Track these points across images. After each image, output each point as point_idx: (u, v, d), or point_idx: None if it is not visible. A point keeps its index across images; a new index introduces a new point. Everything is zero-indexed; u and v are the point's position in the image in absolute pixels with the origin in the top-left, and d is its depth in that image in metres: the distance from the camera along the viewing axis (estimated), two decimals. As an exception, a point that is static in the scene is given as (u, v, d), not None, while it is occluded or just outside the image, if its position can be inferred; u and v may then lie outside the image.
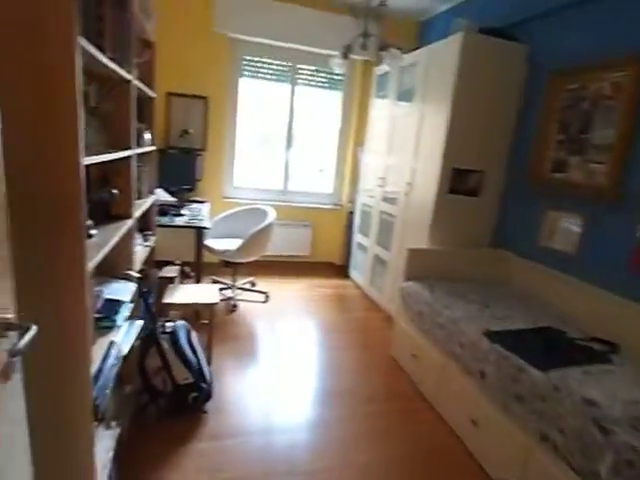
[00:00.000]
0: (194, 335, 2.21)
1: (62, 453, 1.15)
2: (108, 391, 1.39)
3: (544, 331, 2.04)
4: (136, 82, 1.82)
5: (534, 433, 1.62)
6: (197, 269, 2.98)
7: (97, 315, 1.45)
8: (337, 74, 4.32)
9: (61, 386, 1.13)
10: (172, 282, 3.09)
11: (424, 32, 4.23)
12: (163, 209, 3.08)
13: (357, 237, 4.32)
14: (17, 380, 0.82)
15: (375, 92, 4.02)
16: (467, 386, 2.03)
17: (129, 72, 1.71)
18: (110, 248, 1.45)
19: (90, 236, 1.42)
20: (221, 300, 3.52)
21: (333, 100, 4.55)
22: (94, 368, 1.29)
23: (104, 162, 1.61)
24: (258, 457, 1.86)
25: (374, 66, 4.03)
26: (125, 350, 1.58)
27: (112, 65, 1.42)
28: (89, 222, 1.42)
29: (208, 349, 2.48)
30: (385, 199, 3.70)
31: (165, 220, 2.88)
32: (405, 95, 3.40)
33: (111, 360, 1.43)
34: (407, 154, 3.29)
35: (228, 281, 3.68)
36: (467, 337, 2.02)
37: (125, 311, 1.59)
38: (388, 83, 3.70)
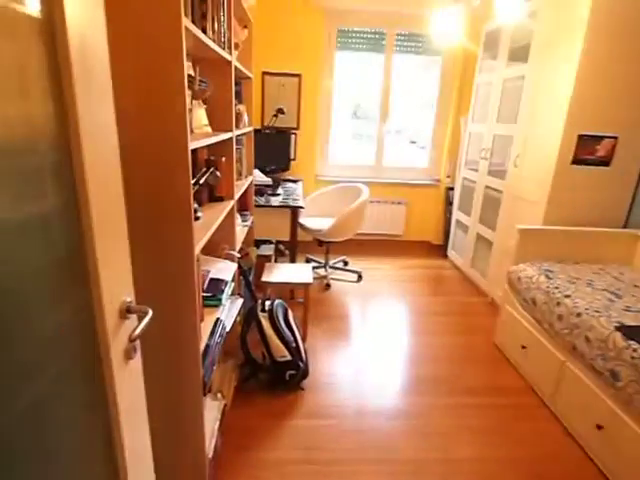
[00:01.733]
0: (291, 314, 2.24)
1: (174, 424, 1.24)
2: (215, 366, 1.45)
3: (699, 330, 1.69)
4: (236, 63, 1.82)
5: (685, 452, 1.36)
6: (292, 248, 3.02)
7: (204, 294, 1.51)
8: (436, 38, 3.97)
9: (174, 363, 1.20)
10: (269, 260, 3.20)
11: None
12: (259, 189, 3.16)
13: (457, 214, 4.03)
14: (137, 359, 0.86)
15: (482, 53, 3.62)
16: (592, 387, 1.77)
17: (230, 53, 1.71)
18: (215, 229, 1.49)
19: (197, 218, 1.47)
20: (314, 279, 3.57)
21: (432, 67, 4.22)
22: (202, 345, 1.35)
23: (208, 145, 1.65)
24: (351, 439, 1.84)
25: (481, 22, 3.63)
26: (228, 326, 1.64)
27: (215, 47, 1.42)
28: (195, 205, 1.47)
29: (303, 327, 2.52)
30: (491, 172, 3.37)
31: (261, 200, 2.96)
32: (519, 53, 3.00)
33: (217, 337, 1.49)
34: (519, 121, 2.92)
35: (321, 260, 3.70)
36: (595, 332, 1.75)
37: (228, 289, 1.65)
38: (499, 40, 3.30)
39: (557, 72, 2.52)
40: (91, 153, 0.66)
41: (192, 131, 1.55)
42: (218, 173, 1.68)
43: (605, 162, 2.54)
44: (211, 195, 1.78)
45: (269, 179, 3.47)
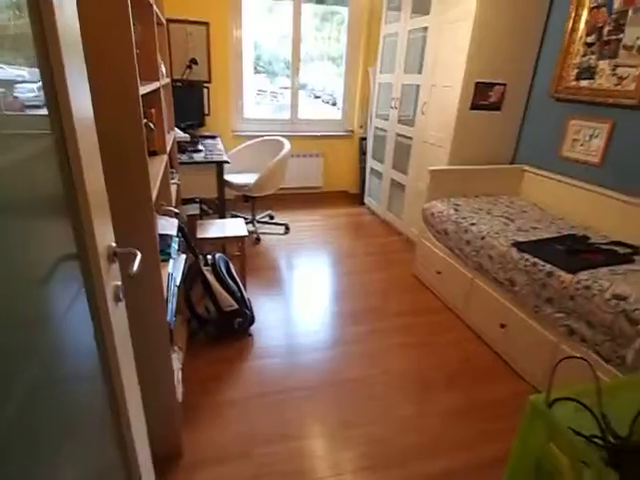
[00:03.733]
0: (232, 266, 2.31)
1: (148, 371, 1.28)
2: (175, 318, 1.50)
3: (568, 238, 2.12)
4: (155, 8, 1.72)
5: (562, 329, 1.76)
6: (221, 205, 3.01)
7: (154, 248, 1.52)
8: (342, -14, 4.00)
9: (143, 312, 1.23)
10: (196, 219, 3.16)
11: None
12: (180, 146, 3.04)
13: (371, 163, 4.29)
14: (123, 303, 0.90)
15: (387, 4, 3.76)
16: (495, 295, 2.16)
17: (145, -4, 1.62)
18: (159, 182, 1.47)
19: (137, 172, 1.44)
20: (244, 233, 3.62)
21: (327, 12, 4.27)
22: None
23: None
24: (301, 371, 2.03)
25: (383, -26, 3.73)
26: (178, 281, 1.67)
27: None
28: (134, 158, 1.44)
29: (242, 278, 2.61)
30: (401, 121, 3.62)
31: (184, 157, 2.87)
32: (421, 5, 3.19)
33: (172, 289, 1.52)
34: (424, 71, 3.17)
35: (247, 215, 3.74)
36: (496, 250, 2.11)
37: (175, 244, 1.66)
38: (400, -8, 3.45)
39: (456, 25, 2.76)
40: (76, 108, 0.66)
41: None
42: (152, 125, 1.63)
43: (497, 107, 2.90)
44: (148, 150, 1.72)
45: (187, 135, 3.34)
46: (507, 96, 2.89)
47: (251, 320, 2.23)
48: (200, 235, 2.44)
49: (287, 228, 3.73)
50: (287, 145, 3.44)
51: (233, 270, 2.29)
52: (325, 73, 4.45)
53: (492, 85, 2.82)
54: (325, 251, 3.39)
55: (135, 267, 0.78)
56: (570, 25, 2.54)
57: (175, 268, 1.73)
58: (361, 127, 4.50)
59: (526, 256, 1.94)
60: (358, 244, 3.56)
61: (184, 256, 1.96)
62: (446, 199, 2.74)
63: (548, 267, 1.83)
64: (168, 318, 1.35)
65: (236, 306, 2.11)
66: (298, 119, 4.41)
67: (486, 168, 2.91)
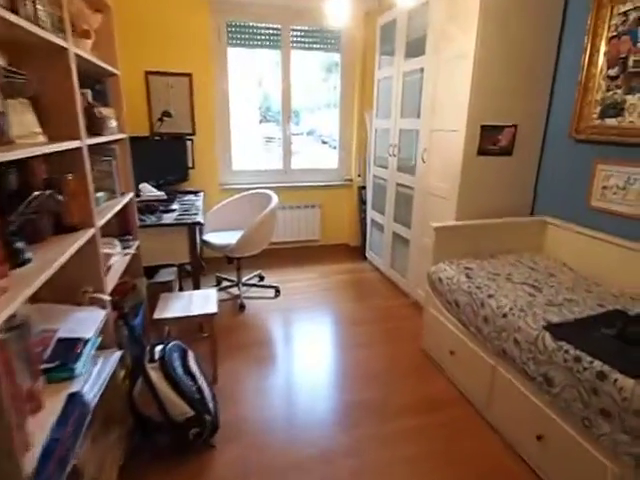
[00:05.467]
0: (192, 356, 1.86)
1: None
2: (68, 466, 1.05)
3: (616, 316, 1.64)
4: (78, 51, 1.41)
5: (627, 459, 1.25)
6: (194, 272, 2.62)
7: (47, 366, 1.10)
8: (334, 33, 3.81)
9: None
10: (170, 289, 2.77)
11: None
12: (150, 206, 2.71)
13: (371, 214, 3.91)
14: None
15: (379, 47, 3.52)
16: (527, 393, 1.66)
17: (64, 39, 1.30)
18: (54, 271, 1.08)
19: (23, 263, 1.06)
20: (227, 299, 3.20)
21: (332, 63, 4.07)
22: (43, 442, 0.95)
23: (47, 159, 1.24)
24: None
25: (377, 16, 3.52)
26: (94, 399, 1.24)
27: (32, 27, 1.02)
28: (20, 244, 1.06)
29: (212, 366, 2.16)
30: (400, 169, 3.26)
31: (152, 219, 2.51)
32: (415, 46, 2.91)
33: (71, 421, 1.08)
34: (422, 115, 2.83)
35: (234, 277, 3.33)
36: (523, 333, 1.63)
37: (89, 351, 1.24)
38: (394, 34, 3.19)
39: (455, 63, 2.44)
40: None
41: (11, 141, 1.13)
42: (60, 196, 1.27)
43: (508, 151, 2.52)
44: (58, 225, 1.35)
45: (162, 193, 3.02)
46: (519, 139, 2.51)
47: (213, 428, 1.75)
48: (158, 315, 2.02)
49: (277, 291, 3.30)
50: (274, 199, 3.09)
51: (193, 361, 1.84)
52: (330, 120, 4.26)
53: (501, 128, 2.45)
54: (320, 319, 2.93)
55: None
56: (586, 58, 2.19)
57: (94, 380, 1.30)
58: (359, 175, 4.17)
59: (565, 346, 1.47)
60: (358, 309, 3.09)
61: (118, 354, 1.53)
62: (455, 261, 2.30)
63: (597, 365, 1.35)
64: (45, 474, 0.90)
65: (191, 413, 1.64)
66: (291, 169, 4.10)
67: (500, 222, 2.48)
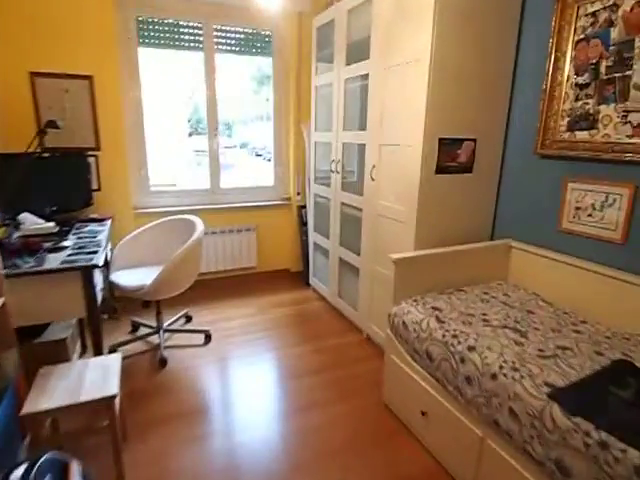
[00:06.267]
0: (76, 469, 1.29)
1: None
2: None
3: (624, 371, 1.36)
4: None
5: None
6: (93, 334, 2.00)
7: None
8: (263, 35, 3.38)
9: None
10: (64, 349, 2.13)
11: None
12: (30, 244, 2.06)
13: (314, 237, 3.50)
14: None
15: (317, 52, 3.15)
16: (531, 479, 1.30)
17: None
18: None
19: None
20: (145, 351, 2.60)
21: (264, 75, 3.64)
22: None
23: None
24: None
25: (312, 16, 3.15)
26: None
27: None
28: None
29: (116, 464, 1.58)
30: (345, 187, 2.89)
31: (29, 264, 1.88)
32: (358, 49, 2.57)
33: None
34: (370, 127, 2.49)
35: (153, 323, 2.73)
36: (522, 403, 1.28)
37: None
38: (333, 36, 2.84)
39: (406, 69, 2.12)
40: None
41: None
42: None
43: (468, 168, 2.24)
44: None
45: (51, 224, 2.37)
46: (479, 154, 2.24)
47: None
48: (30, 407, 1.42)
49: (208, 336, 2.75)
50: (199, 227, 2.56)
51: (77, 477, 1.27)
52: (264, 132, 3.90)
53: (460, 142, 2.16)
54: (260, 372, 2.43)
55: None
56: (551, 63, 1.96)
57: None
58: (299, 194, 3.75)
59: (582, 424, 1.13)
60: (306, 353, 2.63)
61: None
62: (420, 299, 1.94)
63: (634, 455, 1.02)
64: None
65: None
66: (220, 188, 3.58)
67: (463, 249, 2.18)
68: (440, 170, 2.14)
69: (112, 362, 1.70)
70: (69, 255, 2.02)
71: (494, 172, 2.33)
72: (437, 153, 2.10)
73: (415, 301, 1.93)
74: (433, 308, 1.84)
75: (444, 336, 1.64)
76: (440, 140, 2.09)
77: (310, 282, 3.67)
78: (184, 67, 3.43)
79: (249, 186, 3.74)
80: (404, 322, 1.86)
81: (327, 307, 3.31)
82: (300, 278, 3.81)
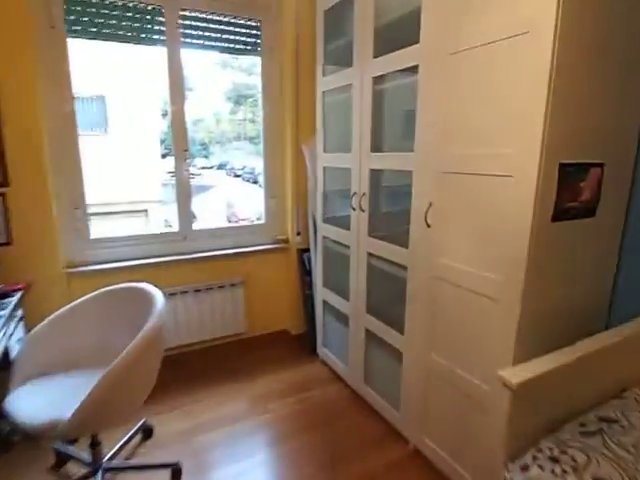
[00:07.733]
0: None
1: None
2: None
3: None
4: None
5: None
6: None
7: None
8: (249, 24, 2.53)
9: None
10: None
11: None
12: None
13: (323, 294, 2.59)
14: None
15: (325, 42, 2.30)
16: None
17: None
18: None
19: None
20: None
21: (254, 100, 2.78)
22: None
23: None
24: None
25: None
26: None
27: None
28: None
29: None
30: (375, 233, 2.01)
31: None
32: (394, 32, 1.73)
33: None
34: (420, 146, 1.63)
35: (87, 456, 1.73)
36: None
37: None
38: (350, 19, 1.99)
39: (499, 49, 1.28)
40: None
41: None
42: None
43: (590, 210, 1.40)
44: None
45: None
46: (605, 187, 1.41)
47: None
48: None
49: (176, 473, 1.78)
50: (158, 301, 1.63)
51: None
52: (241, 151, 3.19)
53: (585, 168, 1.33)
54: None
55: None
56: None
57: None
58: (299, 234, 2.85)
59: None
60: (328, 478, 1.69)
61: None
62: (554, 446, 1.06)
63: None
64: None
65: None
66: (193, 231, 2.64)
67: (611, 345, 1.31)
68: (557, 215, 1.29)
69: None
70: None
71: (619, 216, 1.50)
72: (556, 186, 1.25)
73: (552, 458, 1.04)
74: (570, 467, 0.95)
75: None
76: (561, 167, 1.24)
77: (318, 351, 2.74)
78: (151, 70, 2.54)
79: (232, 226, 2.82)
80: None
81: (347, 394, 2.37)
82: (303, 343, 2.87)
